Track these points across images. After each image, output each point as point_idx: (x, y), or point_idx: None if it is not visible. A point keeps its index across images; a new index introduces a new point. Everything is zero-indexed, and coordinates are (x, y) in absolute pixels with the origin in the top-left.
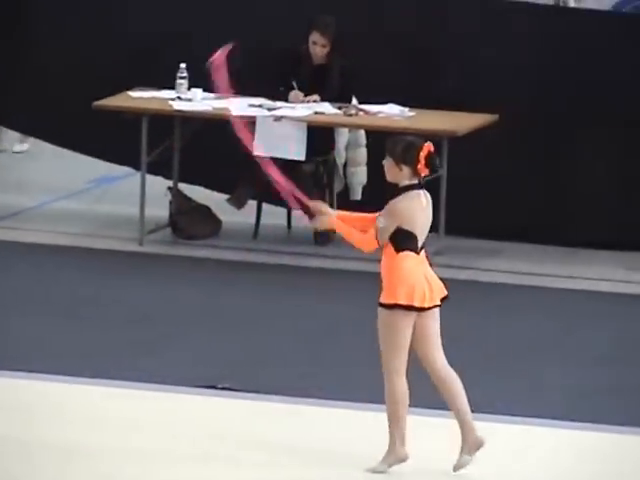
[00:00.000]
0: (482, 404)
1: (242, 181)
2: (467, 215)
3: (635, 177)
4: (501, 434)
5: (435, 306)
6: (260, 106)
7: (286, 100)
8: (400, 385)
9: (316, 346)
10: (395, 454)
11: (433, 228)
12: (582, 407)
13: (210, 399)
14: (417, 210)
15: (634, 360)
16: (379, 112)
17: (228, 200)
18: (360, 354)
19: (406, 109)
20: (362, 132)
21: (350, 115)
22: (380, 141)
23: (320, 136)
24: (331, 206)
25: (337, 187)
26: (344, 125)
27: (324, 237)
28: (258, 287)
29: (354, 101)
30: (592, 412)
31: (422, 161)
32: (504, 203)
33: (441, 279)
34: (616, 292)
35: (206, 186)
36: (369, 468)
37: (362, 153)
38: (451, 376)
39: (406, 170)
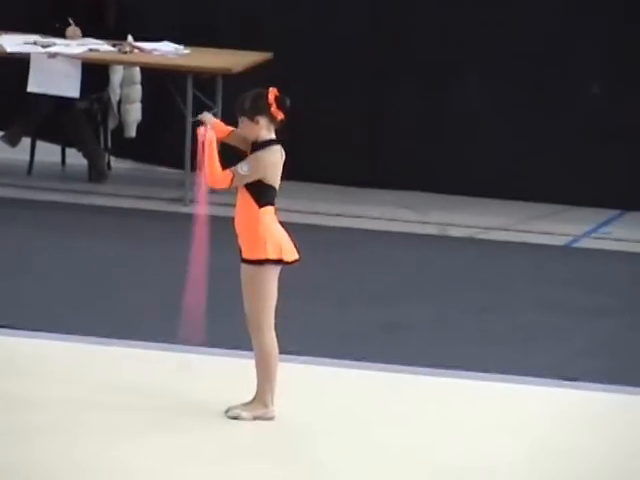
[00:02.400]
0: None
1: (17, 118)
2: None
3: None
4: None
5: (296, 260)
6: (34, 43)
7: (63, 36)
8: (270, 339)
9: (90, 286)
10: (264, 409)
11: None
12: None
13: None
14: (278, 165)
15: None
16: (154, 50)
17: (2, 137)
18: (132, 292)
19: (181, 47)
20: (137, 69)
21: (125, 52)
22: (154, 79)
23: (95, 73)
24: (105, 143)
25: (111, 124)
26: (119, 62)
27: (99, 174)
28: (32, 225)
29: (129, 38)
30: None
31: (273, 104)
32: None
33: None
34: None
35: None
36: (230, 413)
37: (137, 90)
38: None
39: (262, 121)
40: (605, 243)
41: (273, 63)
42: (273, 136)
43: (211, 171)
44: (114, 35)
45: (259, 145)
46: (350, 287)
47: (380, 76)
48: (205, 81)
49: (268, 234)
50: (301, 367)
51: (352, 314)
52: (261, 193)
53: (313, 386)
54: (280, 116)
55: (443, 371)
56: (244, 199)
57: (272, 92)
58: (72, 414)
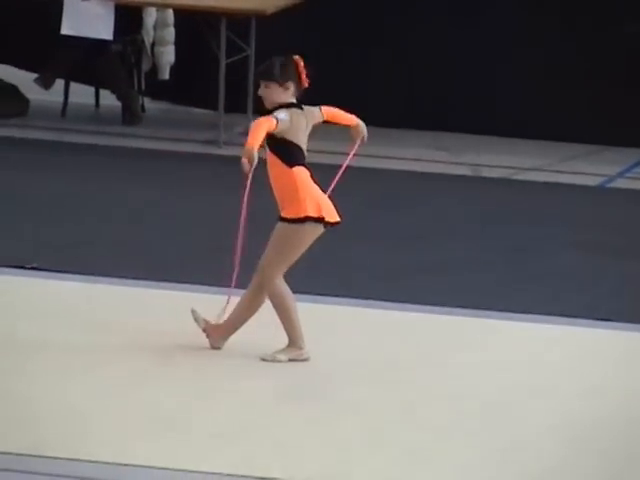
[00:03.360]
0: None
1: (51, 60)
2: None
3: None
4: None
5: (337, 222)
6: None
7: None
8: (283, 286)
9: (124, 229)
10: (298, 350)
11: (241, 108)
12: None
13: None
14: (302, 126)
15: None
16: None
17: (36, 80)
18: (170, 238)
19: None
20: (170, 11)
21: None
22: (187, 21)
23: (128, 16)
24: (139, 85)
25: (145, 66)
26: (152, 4)
27: (133, 116)
28: (66, 168)
29: None
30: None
31: (303, 72)
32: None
33: None
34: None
35: (14, 64)
36: (266, 357)
37: (170, 33)
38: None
39: (292, 87)
40: (638, 183)
41: (306, 5)
42: (294, 100)
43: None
44: None
45: (283, 107)
46: (383, 228)
47: (412, 16)
48: (239, 23)
49: (307, 192)
50: (335, 307)
51: (385, 254)
52: (287, 152)
53: (346, 327)
54: (306, 84)
55: (476, 311)
56: (273, 164)
57: (299, 60)
58: (99, 356)
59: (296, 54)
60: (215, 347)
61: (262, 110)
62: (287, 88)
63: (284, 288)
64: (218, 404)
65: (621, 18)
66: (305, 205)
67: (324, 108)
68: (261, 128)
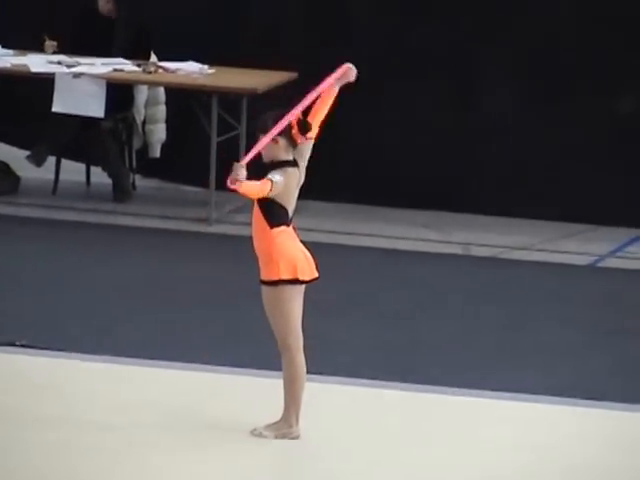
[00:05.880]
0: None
1: (42, 138)
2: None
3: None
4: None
5: (314, 279)
6: (59, 63)
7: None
8: (299, 359)
9: (113, 306)
10: (289, 429)
11: None
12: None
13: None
14: (293, 187)
15: (429, 317)
16: (178, 69)
17: (28, 157)
18: (155, 312)
19: (205, 66)
20: (161, 89)
21: (149, 72)
22: (179, 99)
23: (119, 93)
24: (130, 163)
25: (136, 144)
26: (143, 82)
27: (124, 194)
28: (56, 244)
29: (153, 58)
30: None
31: (295, 127)
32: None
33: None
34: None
35: (5, 141)
36: (254, 432)
37: (161, 110)
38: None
39: (282, 142)
40: (630, 263)
41: (298, 83)
42: (290, 158)
43: (253, 190)
44: (134, 54)
45: (275, 165)
46: (372, 305)
47: (402, 93)
48: (230, 101)
49: (281, 254)
50: (323, 386)
51: (373, 332)
52: (273, 213)
53: (335, 405)
54: (300, 139)
55: (466, 390)
56: (257, 219)
57: (296, 115)
58: (89, 433)
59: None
60: (295, 437)
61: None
62: (276, 142)
63: (300, 364)
64: None
65: (611, 100)
66: (278, 268)
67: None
68: (256, 189)
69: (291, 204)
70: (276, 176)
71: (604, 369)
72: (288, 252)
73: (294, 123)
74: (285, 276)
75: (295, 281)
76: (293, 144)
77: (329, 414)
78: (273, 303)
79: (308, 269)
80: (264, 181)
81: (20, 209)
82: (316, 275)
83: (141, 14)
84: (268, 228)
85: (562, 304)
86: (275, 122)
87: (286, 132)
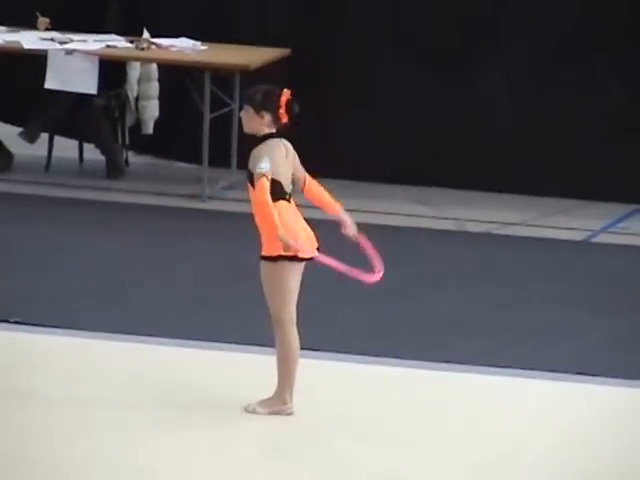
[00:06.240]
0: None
1: (35, 114)
2: None
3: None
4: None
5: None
6: (52, 39)
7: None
8: (291, 334)
9: (106, 283)
10: (282, 405)
11: (225, 163)
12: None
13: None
14: (279, 158)
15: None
16: (171, 46)
17: (20, 134)
18: (148, 290)
19: (198, 43)
20: (154, 66)
21: (142, 49)
22: (171, 75)
23: (112, 70)
24: (122, 140)
25: (129, 121)
26: (136, 59)
27: (117, 171)
28: (49, 221)
29: (146, 34)
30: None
31: (283, 107)
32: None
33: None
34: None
35: None
36: (248, 408)
37: (154, 87)
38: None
39: (267, 117)
40: (622, 238)
41: (291, 59)
42: (273, 130)
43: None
44: (127, 30)
45: (258, 139)
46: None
47: (396, 73)
48: (223, 77)
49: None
50: (319, 363)
51: (368, 310)
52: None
53: (330, 382)
54: (285, 119)
55: (460, 366)
56: (254, 197)
57: (285, 94)
58: (88, 411)
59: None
60: (289, 413)
61: (245, 162)
62: (262, 117)
63: (293, 340)
64: (200, 458)
65: (604, 81)
66: (278, 243)
67: (308, 179)
68: (265, 199)
69: (283, 176)
70: (261, 164)
71: (601, 345)
72: (289, 228)
73: (283, 102)
74: (284, 252)
75: (294, 258)
76: (278, 123)
77: (323, 390)
78: (271, 278)
79: (308, 247)
80: (258, 183)
81: (13, 186)
82: (315, 253)
83: None
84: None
85: (557, 280)
86: (265, 97)
87: (274, 109)
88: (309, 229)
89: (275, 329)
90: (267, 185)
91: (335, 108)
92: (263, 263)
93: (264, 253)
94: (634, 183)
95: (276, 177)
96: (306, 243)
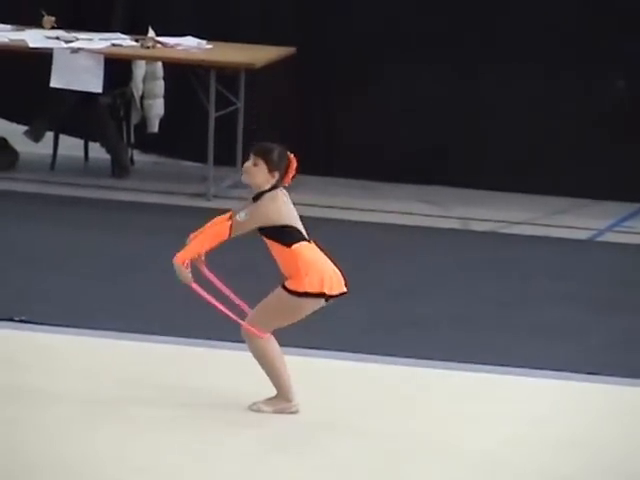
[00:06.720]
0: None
1: (40, 113)
2: None
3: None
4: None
5: (341, 294)
6: (57, 38)
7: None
8: (260, 340)
9: (112, 282)
10: (286, 403)
11: (230, 161)
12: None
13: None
14: (281, 206)
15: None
16: (177, 45)
17: (25, 132)
18: (157, 289)
19: (204, 41)
20: (159, 64)
21: (147, 47)
22: (177, 74)
23: (117, 68)
24: (128, 138)
25: (134, 119)
26: (142, 57)
27: (122, 169)
28: (54, 220)
29: (151, 33)
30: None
31: (290, 173)
32: (301, 136)
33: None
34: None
35: (3, 117)
36: (253, 406)
37: (159, 86)
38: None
39: (276, 177)
40: (627, 237)
41: (296, 58)
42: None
43: (210, 241)
44: (132, 29)
45: (259, 194)
46: (371, 281)
47: (401, 72)
48: (228, 76)
49: (309, 268)
50: (323, 361)
51: (373, 307)
52: (281, 235)
53: (335, 380)
54: (287, 182)
55: (463, 365)
56: (270, 243)
57: (293, 160)
58: (88, 410)
59: (289, 152)
60: (294, 412)
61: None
62: (273, 177)
63: (263, 343)
64: (201, 458)
65: (609, 74)
66: (304, 282)
67: None
68: (224, 230)
69: (292, 219)
70: (241, 214)
71: (602, 344)
72: (315, 266)
73: (292, 168)
74: (311, 289)
75: (321, 295)
76: (280, 183)
77: (328, 389)
78: (286, 308)
79: (336, 282)
80: (225, 224)
81: (18, 184)
82: (343, 289)
83: None
84: (286, 249)
85: (562, 279)
86: (280, 158)
87: (283, 171)
88: (335, 268)
89: (247, 339)
90: (234, 232)
91: (339, 107)
92: (285, 292)
93: (289, 287)
94: (639, 182)
95: (286, 223)
96: (333, 281)
